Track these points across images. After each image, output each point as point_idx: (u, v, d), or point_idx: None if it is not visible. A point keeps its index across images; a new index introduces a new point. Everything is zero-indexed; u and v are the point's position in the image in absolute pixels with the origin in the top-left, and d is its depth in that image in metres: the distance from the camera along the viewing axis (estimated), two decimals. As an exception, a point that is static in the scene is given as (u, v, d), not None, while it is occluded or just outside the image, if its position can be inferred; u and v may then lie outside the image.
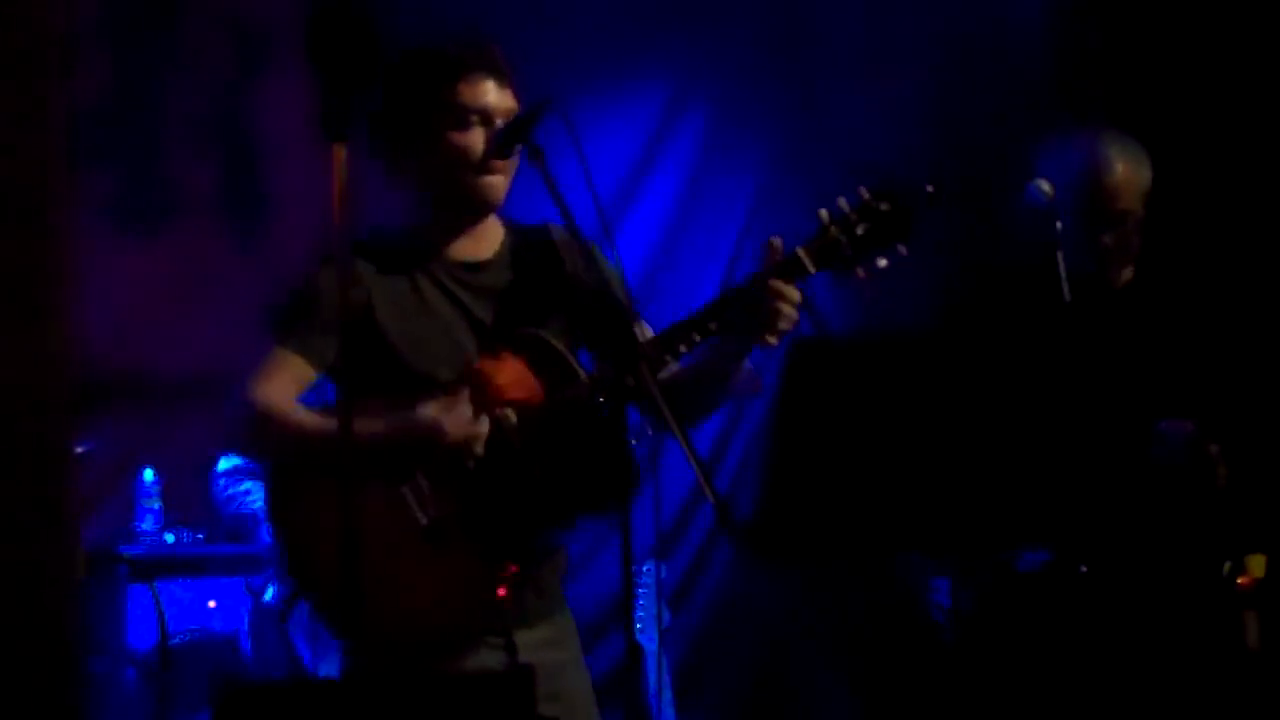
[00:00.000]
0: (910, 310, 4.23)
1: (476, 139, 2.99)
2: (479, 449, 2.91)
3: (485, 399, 2.94)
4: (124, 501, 4.87)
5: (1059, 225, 3.55)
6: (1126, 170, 3.69)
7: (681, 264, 5.81)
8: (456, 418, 2.90)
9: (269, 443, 2.98)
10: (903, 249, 2.94)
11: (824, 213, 2.97)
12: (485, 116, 3.00)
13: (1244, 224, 5.13)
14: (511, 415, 2.94)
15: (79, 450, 4.38)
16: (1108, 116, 3.93)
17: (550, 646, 3.05)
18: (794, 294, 2.94)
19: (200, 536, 4.82)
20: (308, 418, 2.93)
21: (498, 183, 3.00)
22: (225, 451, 4.11)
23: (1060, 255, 3.52)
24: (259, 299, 5.06)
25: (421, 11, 5.23)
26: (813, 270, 2.95)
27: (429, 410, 2.90)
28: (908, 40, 5.77)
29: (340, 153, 2.36)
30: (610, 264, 3.08)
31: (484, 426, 2.91)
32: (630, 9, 5.73)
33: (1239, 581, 3.65)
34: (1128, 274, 3.76)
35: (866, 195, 2.96)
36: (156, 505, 4.83)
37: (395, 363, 2.97)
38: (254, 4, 5.38)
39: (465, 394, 2.92)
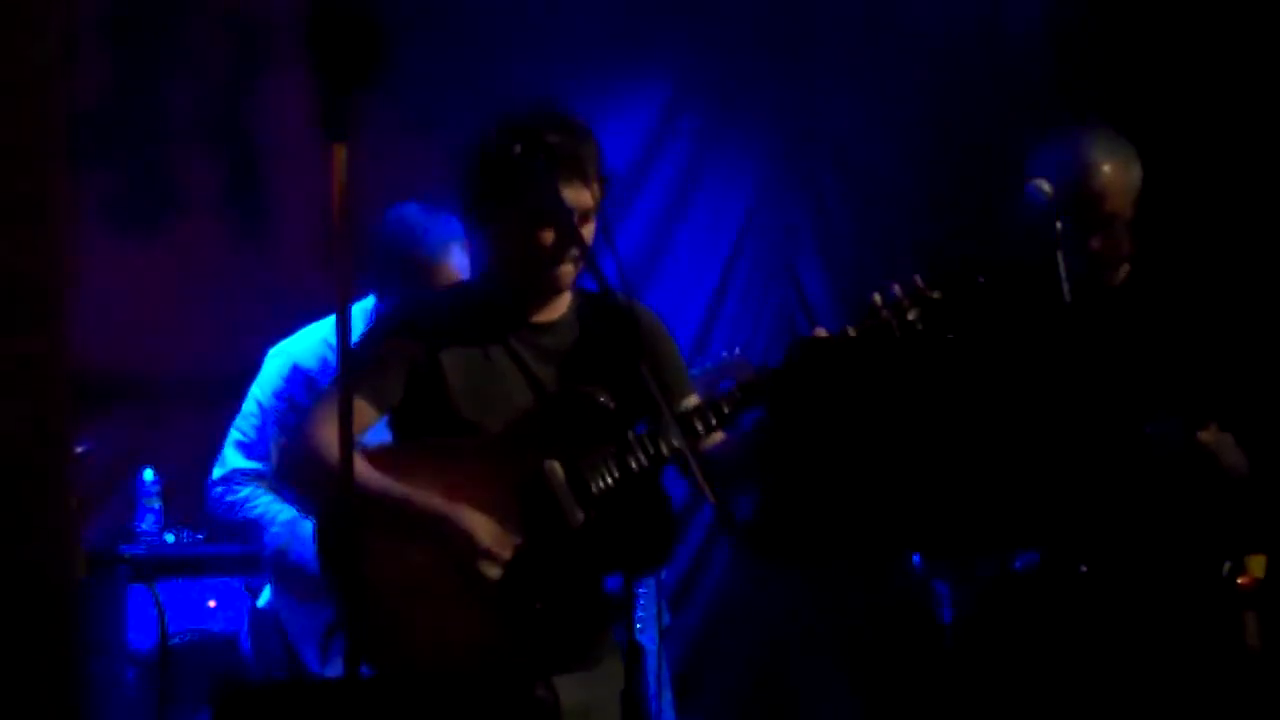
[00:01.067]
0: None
1: (553, 236, 3.07)
2: (496, 570, 2.99)
3: (533, 452, 3.02)
4: (124, 501, 4.86)
5: (1059, 225, 3.55)
6: (1113, 172, 3.65)
7: (680, 264, 5.81)
8: (488, 533, 2.99)
9: (320, 488, 3.08)
10: (951, 338, 2.97)
11: (876, 296, 3.01)
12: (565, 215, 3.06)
13: (1241, 221, 5.13)
14: (559, 469, 3.01)
15: (79, 450, 4.38)
16: (1104, 115, 3.90)
17: (586, 687, 3.10)
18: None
19: (200, 536, 4.82)
20: (361, 470, 2.96)
21: (569, 272, 3.10)
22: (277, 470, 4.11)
23: (1060, 255, 3.52)
24: (259, 299, 5.10)
25: (422, 11, 5.25)
26: None
27: (468, 518, 2.99)
28: (907, 40, 5.77)
29: (340, 153, 2.36)
30: (668, 338, 3.24)
31: (508, 553, 2.99)
32: (630, 8, 5.73)
33: (1239, 581, 3.65)
34: (1123, 271, 3.75)
35: (920, 283, 2.99)
36: (156, 505, 4.82)
37: (449, 408, 3.08)
38: (254, 4, 5.38)
39: (512, 537, 3.01)
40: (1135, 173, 3.68)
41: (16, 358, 1.96)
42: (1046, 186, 3.58)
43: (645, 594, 4.88)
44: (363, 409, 2.99)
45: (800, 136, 5.95)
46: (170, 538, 4.81)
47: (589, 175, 3.07)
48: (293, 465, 3.18)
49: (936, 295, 2.99)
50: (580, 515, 3.00)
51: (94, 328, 4.75)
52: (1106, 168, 3.63)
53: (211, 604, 4.77)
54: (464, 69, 5.12)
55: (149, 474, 4.83)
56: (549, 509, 3.01)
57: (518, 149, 3.02)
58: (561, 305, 3.19)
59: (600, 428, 3.03)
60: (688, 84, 5.90)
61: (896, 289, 2.99)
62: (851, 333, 3.00)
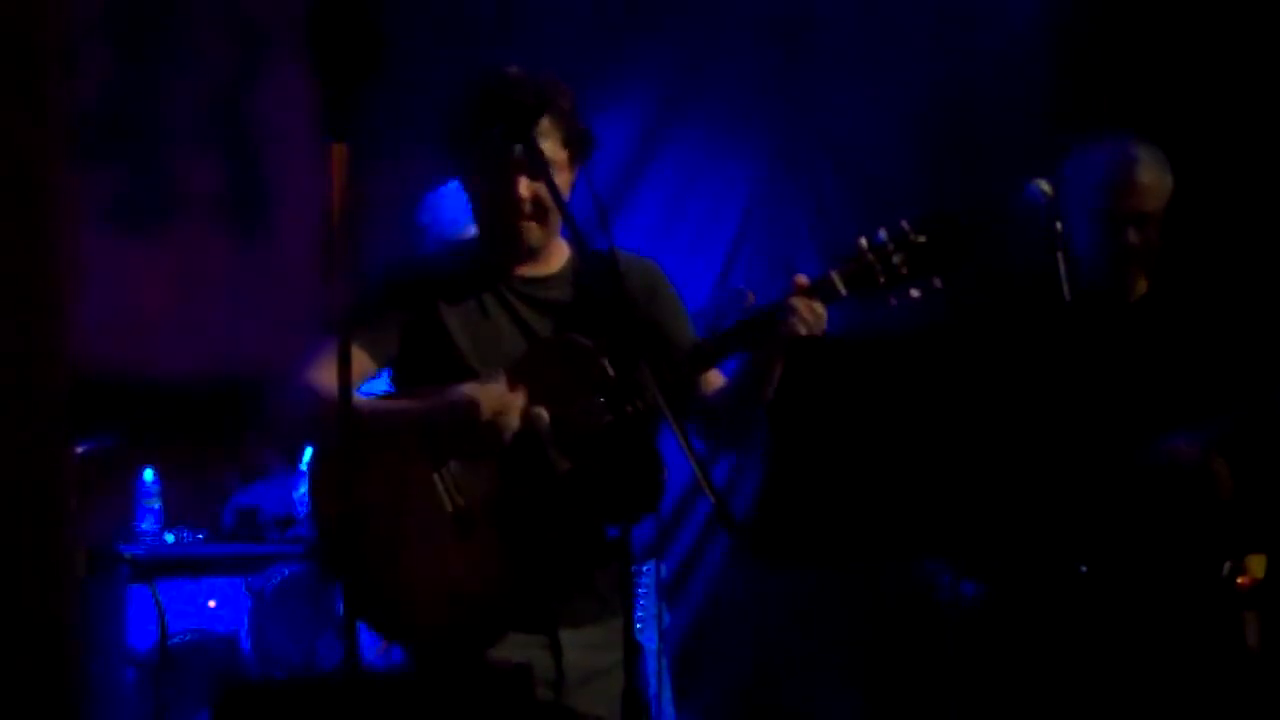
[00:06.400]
0: (910, 309, 4.24)
1: (519, 189, 3.09)
2: (513, 423, 3.00)
3: (521, 398, 3.02)
4: (124, 501, 4.87)
5: (1059, 225, 3.56)
6: (1156, 172, 3.76)
7: (677, 264, 5.79)
8: (491, 394, 2.99)
9: (315, 426, 3.10)
10: (938, 282, 2.98)
11: (862, 239, 3.01)
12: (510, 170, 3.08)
13: (1251, 233, 5.13)
14: (544, 415, 3.01)
15: (79, 450, 4.38)
16: (1107, 114, 3.94)
17: (594, 650, 3.11)
18: (819, 309, 3.00)
19: (200, 536, 4.83)
20: (362, 403, 3.04)
21: (531, 228, 3.12)
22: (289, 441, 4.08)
23: (1061, 255, 3.53)
24: (260, 298, 5.10)
25: (422, 10, 5.25)
26: (844, 293, 3.02)
27: (466, 387, 3.01)
28: (906, 41, 5.78)
29: (341, 151, 2.37)
30: (669, 288, 3.32)
31: (519, 400, 3.00)
32: (628, 7, 5.73)
33: (1239, 581, 3.65)
34: (1141, 286, 3.79)
35: (906, 226, 3.00)
36: (156, 505, 4.83)
37: (450, 358, 3.10)
38: (254, 4, 5.38)
39: (502, 376, 3.02)
40: (1170, 178, 3.80)
41: (17, 357, 1.96)
42: (1046, 186, 3.60)
43: (645, 594, 4.88)
44: (357, 357, 2.98)
45: (797, 138, 5.95)
46: (170, 538, 4.81)
47: (558, 126, 3.07)
48: (287, 408, 3.20)
49: (922, 239, 2.99)
50: (565, 463, 3.00)
51: (94, 328, 4.76)
52: (1152, 164, 3.75)
53: (211, 604, 4.78)
54: (463, 68, 5.11)
55: (149, 474, 4.84)
56: (535, 455, 3.01)
57: (474, 107, 3.06)
58: (555, 261, 3.21)
59: (590, 376, 3.02)
60: (684, 84, 5.90)
61: (883, 233, 3.01)
62: (835, 277, 3.01)
